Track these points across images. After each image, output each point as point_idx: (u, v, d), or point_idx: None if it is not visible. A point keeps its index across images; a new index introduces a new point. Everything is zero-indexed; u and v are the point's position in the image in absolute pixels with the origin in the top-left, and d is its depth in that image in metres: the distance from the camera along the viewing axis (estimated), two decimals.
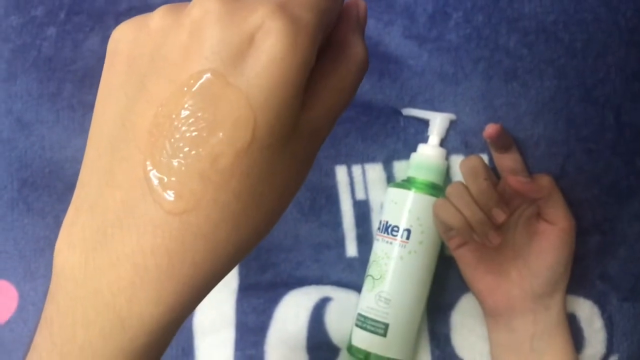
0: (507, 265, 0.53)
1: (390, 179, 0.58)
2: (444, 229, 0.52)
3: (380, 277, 0.53)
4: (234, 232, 0.23)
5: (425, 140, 0.57)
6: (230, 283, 0.59)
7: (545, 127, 0.56)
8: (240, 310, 0.59)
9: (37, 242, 0.61)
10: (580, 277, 0.54)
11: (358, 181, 0.58)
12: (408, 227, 0.53)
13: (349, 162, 0.59)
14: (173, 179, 0.22)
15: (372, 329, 0.52)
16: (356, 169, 0.58)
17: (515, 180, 0.51)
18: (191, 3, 0.23)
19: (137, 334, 0.23)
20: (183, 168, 0.22)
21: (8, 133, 0.63)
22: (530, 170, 0.55)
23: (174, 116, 0.22)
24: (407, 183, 0.55)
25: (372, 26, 0.58)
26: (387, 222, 0.54)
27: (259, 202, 0.23)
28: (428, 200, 0.53)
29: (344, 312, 0.57)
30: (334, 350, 0.57)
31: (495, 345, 0.54)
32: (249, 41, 0.22)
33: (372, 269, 0.54)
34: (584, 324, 0.55)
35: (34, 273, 0.60)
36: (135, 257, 0.22)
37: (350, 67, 0.25)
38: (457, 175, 0.56)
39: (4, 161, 0.63)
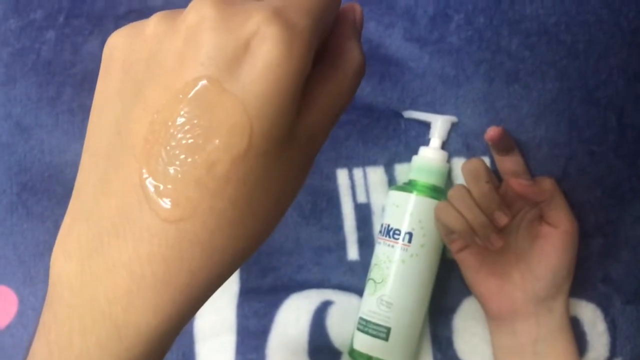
0: (509, 268, 0.53)
1: (391, 182, 0.58)
2: (445, 232, 0.52)
3: (382, 280, 0.53)
4: (231, 239, 0.23)
5: (426, 143, 0.56)
6: (231, 287, 0.59)
7: (547, 129, 0.55)
8: (241, 315, 0.58)
9: (36, 247, 0.61)
10: (582, 280, 0.54)
11: (359, 184, 0.58)
12: (410, 230, 0.53)
13: (350, 165, 0.58)
14: (169, 186, 0.22)
15: (374, 332, 0.52)
16: (357, 172, 0.58)
17: (517, 183, 0.51)
18: (187, 9, 0.23)
19: (133, 343, 0.23)
20: (179, 175, 0.22)
21: (7, 137, 0.63)
22: (532, 172, 0.54)
23: (169, 123, 0.22)
24: (408, 186, 0.54)
25: (373, 28, 0.58)
26: (388, 226, 0.54)
27: (256, 208, 0.23)
28: (430, 203, 0.53)
29: (345, 315, 0.57)
30: (335, 354, 0.57)
31: (498, 348, 0.54)
32: (245, 47, 0.21)
33: (374, 273, 0.54)
34: (587, 327, 0.55)
35: (34, 278, 0.60)
36: (132, 265, 0.22)
37: (347, 72, 0.25)
38: (459, 178, 0.55)
39: (3, 165, 0.62)
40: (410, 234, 0.53)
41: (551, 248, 0.51)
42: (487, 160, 0.55)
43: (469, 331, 0.56)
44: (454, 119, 0.56)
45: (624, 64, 0.55)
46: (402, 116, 0.58)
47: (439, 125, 0.56)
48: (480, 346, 0.55)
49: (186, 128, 0.22)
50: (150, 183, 0.22)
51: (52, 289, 0.24)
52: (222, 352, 0.58)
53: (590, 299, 0.55)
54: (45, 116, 0.62)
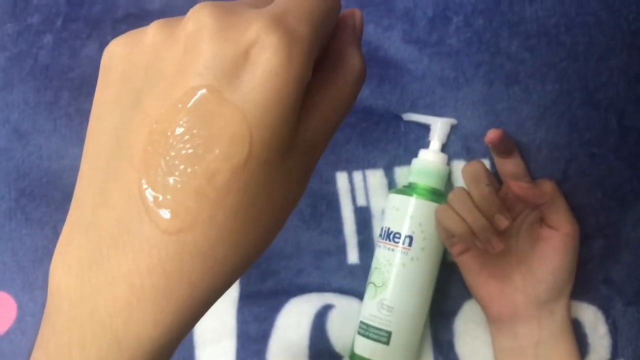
0: (510, 271, 0.52)
1: (391, 185, 0.58)
2: (446, 236, 0.52)
3: (383, 284, 0.53)
4: (232, 249, 0.22)
5: (426, 145, 0.56)
6: (230, 292, 0.58)
7: (548, 131, 0.55)
8: (241, 320, 0.58)
9: (35, 253, 0.61)
10: (584, 282, 0.54)
11: (359, 187, 0.58)
12: (410, 233, 0.53)
13: (349, 169, 0.58)
14: (168, 197, 0.22)
15: (375, 337, 0.52)
16: (357, 175, 0.58)
17: (517, 185, 0.50)
18: (185, 17, 0.22)
19: (134, 355, 0.22)
20: (179, 186, 0.21)
21: (5, 143, 0.62)
22: (532, 174, 0.54)
23: (169, 133, 0.21)
24: (408, 189, 0.54)
25: (372, 31, 0.58)
26: (388, 229, 0.54)
27: (257, 218, 0.23)
28: (430, 206, 0.52)
29: (346, 319, 0.57)
30: (336, 358, 0.57)
31: (499, 351, 0.53)
32: (244, 56, 0.21)
33: (374, 277, 0.54)
34: (588, 329, 0.55)
35: (33, 284, 0.60)
36: (132, 277, 0.22)
37: (348, 79, 0.24)
38: (459, 180, 0.55)
39: (1, 171, 0.62)
40: (411, 237, 0.52)
41: (552, 251, 0.51)
42: (487, 162, 0.55)
43: (470, 334, 0.56)
44: (453, 121, 0.56)
45: (624, 65, 0.55)
46: (401, 119, 0.57)
47: (439, 127, 0.56)
48: (481, 349, 0.55)
49: (186, 138, 0.21)
50: (149, 194, 0.22)
51: (51, 300, 0.23)
52: (223, 357, 0.58)
53: (592, 301, 0.55)
54: (43, 121, 0.62)
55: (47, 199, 0.61)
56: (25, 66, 0.63)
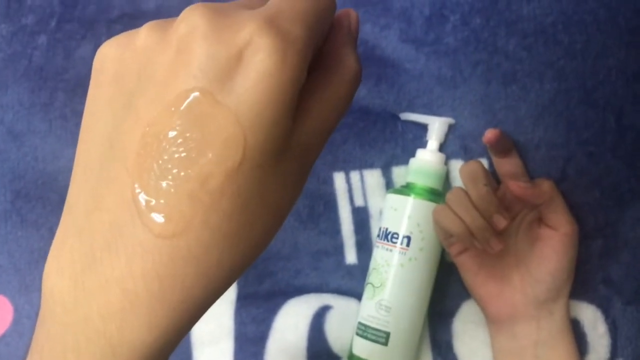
0: (509, 271, 0.52)
1: (389, 185, 0.57)
2: (444, 236, 0.51)
3: (381, 285, 0.52)
4: (227, 253, 0.22)
5: (424, 145, 0.56)
6: (228, 293, 0.58)
7: (546, 130, 0.55)
8: (239, 321, 0.58)
9: (31, 255, 0.60)
10: (582, 281, 0.54)
11: (356, 187, 0.58)
12: (408, 233, 0.52)
13: (347, 169, 0.58)
14: (162, 201, 0.21)
15: (373, 337, 0.52)
16: (354, 176, 0.58)
17: (515, 185, 0.50)
18: (178, 19, 0.22)
19: None
20: (172, 190, 0.21)
21: (0, 144, 0.62)
22: (530, 174, 0.54)
23: (162, 137, 0.21)
24: (406, 189, 0.54)
25: (369, 30, 0.58)
26: (386, 229, 0.53)
27: (252, 221, 0.22)
28: (428, 206, 0.52)
29: (344, 320, 0.57)
30: (334, 359, 0.57)
31: (498, 351, 0.53)
32: (238, 58, 0.21)
33: (372, 277, 0.53)
34: (588, 329, 0.54)
35: (29, 286, 0.60)
36: (125, 281, 0.21)
37: (343, 80, 0.24)
38: (457, 180, 0.55)
39: None
40: (409, 238, 0.52)
41: (551, 250, 0.51)
42: (485, 162, 0.55)
43: (469, 335, 0.56)
44: (451, 120, 0.56)
45: (622, 64, 0.54)
46: (399, 118, 0.57)
47: (436, 127, 0.55)
48: (480, 349, 0.55)
49: (179, 141, 0.21)
50: (142, 198, 0.21)
51: (45, 304, 0.23)
52: (220, 359, 0.58)
53: (591, 300, 0.55)
54: (38, 122, 0.62)
55: (42, 200, 0.61)
56: (20, 67, 0.63)
